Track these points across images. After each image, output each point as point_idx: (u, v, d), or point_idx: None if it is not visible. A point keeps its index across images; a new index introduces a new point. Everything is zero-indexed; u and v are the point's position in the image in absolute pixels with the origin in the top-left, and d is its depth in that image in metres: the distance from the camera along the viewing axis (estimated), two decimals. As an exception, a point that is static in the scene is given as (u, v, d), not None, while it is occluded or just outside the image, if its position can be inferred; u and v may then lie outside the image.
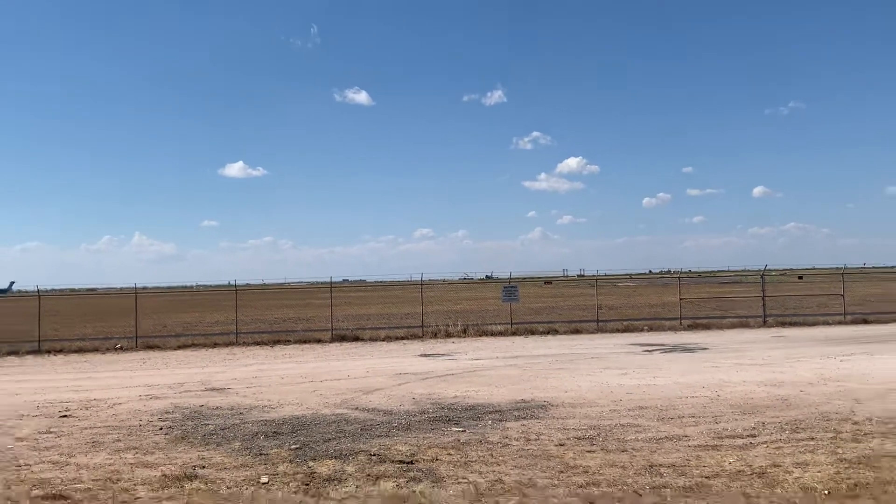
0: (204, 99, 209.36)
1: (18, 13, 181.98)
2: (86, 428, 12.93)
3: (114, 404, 15.42)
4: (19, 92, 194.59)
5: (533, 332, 31.90)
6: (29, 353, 29.09)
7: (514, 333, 31.70)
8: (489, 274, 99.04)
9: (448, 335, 31.46)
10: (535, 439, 11.09)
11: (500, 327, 32.94)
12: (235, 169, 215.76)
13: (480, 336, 31.26)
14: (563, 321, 35.99)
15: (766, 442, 10.53)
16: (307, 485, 8.90)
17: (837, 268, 50.18)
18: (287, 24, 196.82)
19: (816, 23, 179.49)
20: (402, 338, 31.15)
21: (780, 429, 11.38)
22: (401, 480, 8.97)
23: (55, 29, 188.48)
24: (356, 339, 30.96)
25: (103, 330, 39.58)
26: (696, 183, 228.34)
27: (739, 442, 10.58)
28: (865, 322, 33.14)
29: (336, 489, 8.67)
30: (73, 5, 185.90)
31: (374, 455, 10.34)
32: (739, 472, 8.98)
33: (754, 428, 11.50)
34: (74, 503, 8.28)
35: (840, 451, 9.89)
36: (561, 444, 10.70)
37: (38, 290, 37.85)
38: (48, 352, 29.18)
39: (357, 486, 8.77)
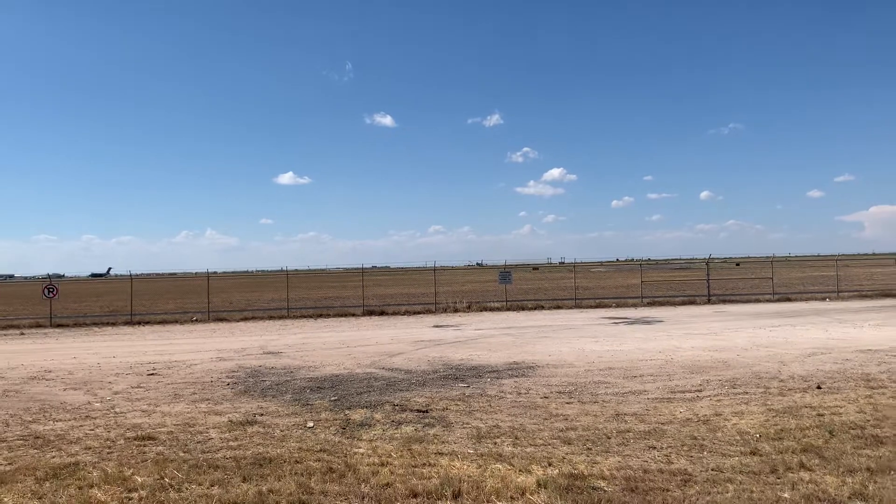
0: (262, 122, 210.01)
1: (106, 54, 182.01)
2: (168, 383, 12.98)
3: (191, 365, 15.48)
4: (112, 110, 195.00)
5: (523, 308, 31.84)
6: (123, 323, 29.23)
7: (508, 309, 31.65)
8: (480, 261, 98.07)
9: (456, 310, 31.43)
10: (525, 393, 11.09)
11: (497, 304, 32.91)
12: (287, 178, 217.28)
13: (481, 311, 31.22)
14: (548, 299, 35.92)
15: (709, 395, 10.50)
16: (344, 428, 8.92)
17: (767, 257, 49.99)
18: (326, 62, 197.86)
19: (752, 58, 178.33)
20: (419, 312, 31.13)
21: (721, 385, 11.34)
22: (418, 426, 8.98)
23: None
24: (382, 313, 30.96)
25: (182, 306, 39.70)
26: (654, 188, 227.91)
27: (688, 396, 10.55)
28: (789, 300, 32.97)
29: (367, 432, 8.69)
30: (154, 42, 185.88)
31: (397, 405, 10.36)
32: (688, 419, 8.96)
33: (700, 384, 11.46)
34: (160, 443, 8.32)
35: (769, 403, 9.85)
36: (545, 397, 10.69)
37: (131, 274, 38.00)
38: (138, 323, 29.30)
39: (383, 430, 8.79)
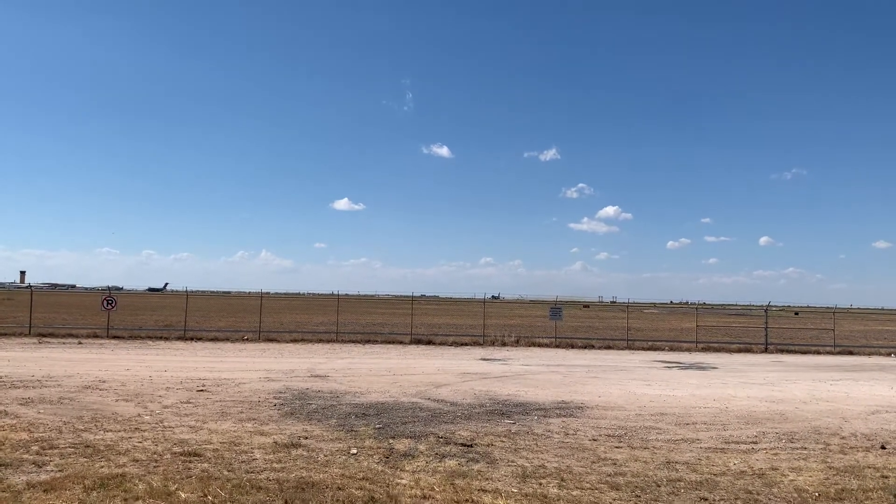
0: (322, 148, 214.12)
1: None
2: (217, 401, 13.15)
3: (239, 383, 15.66)
4: (178, 135, 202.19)
5: (573, 346, 31.39)
6: (176, 339, 29.84)
7: (557, 346, 31.24)
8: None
9: (503, 344, 31.19)
10: (573, 434, 10.87)
11: (546, 340, 32.54)
12: (342, 203, 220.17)
13: (530, 346, 30.90)
14: (598, 338, 35.37)
15: (765, 448, 10.12)
16: (387, 458, 8.87)
17: (829, 307, 48.27)
18: (388, 92, 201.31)
19: (818, 103, 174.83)
20: (467, 344, 30.97)
21: (778, 438, 10.93)
22: (462, 460, 8.87)
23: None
24: (430, 342, 30.91)
25: (234, 324, 40.35)
26: (712, 231, 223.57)
27: (743, 447, 10.19)
28: (851, 353, 31.72)
29: (410, 463, 8.62)
30: (229, 77, 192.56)
31: (441, 438, 10.26)
32: (742, 472, 8.64)
33: (756, 436, 11.06)
34: (205, 460, 8.39)
35: (829, 460, 9.44)
36: (594, 440, 10.46)
37: (186, 291, 38.88)
38: (191, 339, 29.88)
39: (427, 462, 8.70)
